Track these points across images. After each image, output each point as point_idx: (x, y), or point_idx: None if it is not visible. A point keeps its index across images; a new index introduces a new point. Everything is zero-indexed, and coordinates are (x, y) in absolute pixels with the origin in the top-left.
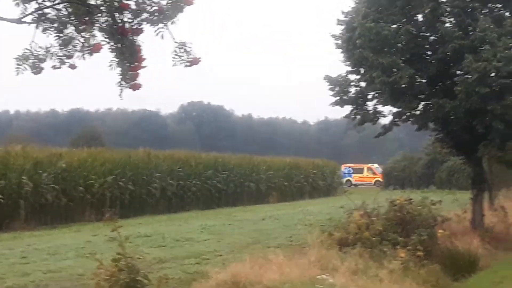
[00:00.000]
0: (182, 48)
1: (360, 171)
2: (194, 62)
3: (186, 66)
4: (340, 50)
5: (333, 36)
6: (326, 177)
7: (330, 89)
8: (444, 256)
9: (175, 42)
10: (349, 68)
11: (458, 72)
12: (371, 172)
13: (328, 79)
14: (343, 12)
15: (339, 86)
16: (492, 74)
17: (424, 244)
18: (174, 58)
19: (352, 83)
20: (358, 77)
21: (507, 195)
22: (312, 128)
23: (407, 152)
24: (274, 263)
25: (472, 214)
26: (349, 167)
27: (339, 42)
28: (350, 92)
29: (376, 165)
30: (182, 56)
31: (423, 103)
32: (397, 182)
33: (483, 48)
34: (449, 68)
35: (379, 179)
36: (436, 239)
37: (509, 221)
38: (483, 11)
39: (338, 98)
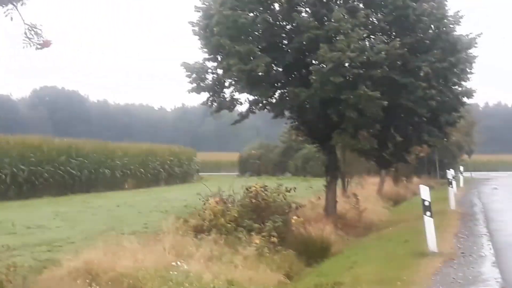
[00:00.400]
0: (32, 30)
1: None
2: (45, 44)
3: (37, 48)
4: (198, 37)
5: (191, 23)
6: (182, 164)
7: (187, 76)
8: (297, 242)
9: (25, 24)
10: (206, 55)
11: (314, 62)
12: None
13: (185, 66)
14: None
15: (196, 73)
16: (346, 64)
17: (278, 231)
18: (24, 40)
19: (209, 70)
20: (215, 64)
21: (359, 183)
22: (170, 115)
23: (264, 140)
24: (128, 250)
25: (325, 201)
26: None
27: (196, 29)
28: (207, 79)
29: None
30: (32, 38)
31: (279, 91)
32: (253, 169)
33: (338, 38)
34: (305, 57)
35: None
36: (291, 225)
37: (361, 208)
38: (338, 2)
39: (195, 85)
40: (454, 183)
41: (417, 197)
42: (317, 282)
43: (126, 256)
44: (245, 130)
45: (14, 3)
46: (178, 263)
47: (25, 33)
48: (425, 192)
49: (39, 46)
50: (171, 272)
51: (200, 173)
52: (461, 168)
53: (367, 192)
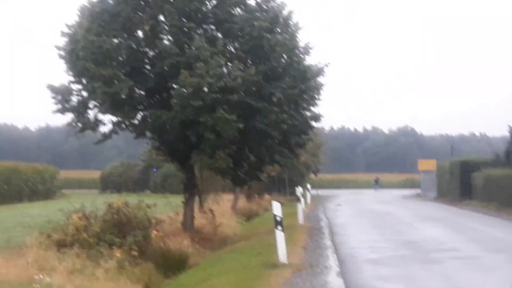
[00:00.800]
0: None
1: None
2: None
3: None
4: (63, 61)
5: (57, 47)
6: (45, 181)
7: (52, 97)
8: (157, 256)
9: None
10: (72, 78)
11: (175, 86)
12: None
13: (51, 87)
14: (66, 25)
15: (61, 94)
16: (205, 89)
17: (139, 245)
18: None
19: (74, 93)
20: (80, 87)
21: (215, 199)
22: (33, 134)
23: (125, 159)
24: None
25: (183, 217)
26: None
27: (62, 53)
28: (72, 100)
29: None
30: None
31: (141, 113)
32: (114, 186)
33: (198, 65)
34: (167, 82)
35: None
36: (151, 239)
37: (216, 223)
38: (198, 31)
39: (60, 106)
40: (302, 200)
41: (268, 213)
42: None
43: None
44: (107, 149)
45: None
46: (41, 276)
47: None
48: (277, 208)
49: None
50: (34, 285)
51: (63, 190)
52: (309, 186)
53: (222, 208)
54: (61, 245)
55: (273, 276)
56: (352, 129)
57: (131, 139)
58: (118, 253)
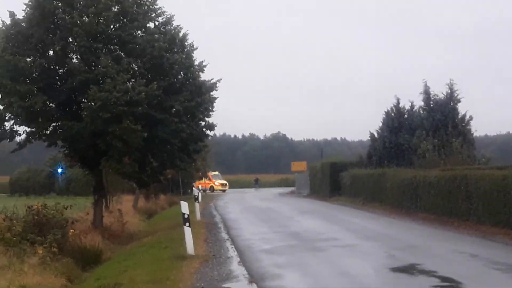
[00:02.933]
0: None
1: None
2: None
3: None
4: None
5: None
6: None
7: None
8: (74, 251)
9: None
10: None
11: (84, 100)
12: (207, 179)
13: None
14: None
15: None
16: (113, 102)
17: (58, 242)
18: None
19: None
20: None
21: (119, 200)
22: None
23: (31, 165)
24: None
25: (93, 216)
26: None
27: None
28: None
29: (215, 173)
30: None
31: (54, 124)
32: (22, 190)
33: (105, 81)
34: (77, 96)
35: (213, 185)
36: (68, 237)
37: (123, 221)
38: (104, 51)
39: None
40: (199, 198)
41: (165, 211)
42: (100, 284)
43: None
44: (12, 156)
45: None
46: None
47: None
48: (184, 207)
49: None
50: None
51: None
52: (199, 187)
53: (124, 207)
54: None
55: (184, 267)
56: (232, 135)
57: (36, 147)
58: (40, 250)
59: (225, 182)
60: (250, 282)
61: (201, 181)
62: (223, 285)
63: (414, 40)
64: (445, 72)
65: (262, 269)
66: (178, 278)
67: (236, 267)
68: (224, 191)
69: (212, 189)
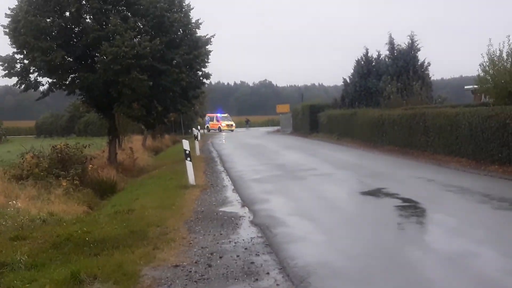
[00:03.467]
0: None
1: (212, 119)
2: None
3: None
4: (8, 36)
5: (2, 26)
6: None
7: (1, 65)
8: (93, 183)
9: None
10: (15, 50)
11: (97, 54)
12: (216, 120)
13: (0, 58)
14: (9, 8)
15: (8, 62)
16: (122, 56)
17: (79, 176)
18: None
19: (18, 61)
20: (22, 56)
21: (130, 140)
22: None
23: (54, 111)
24: None
25: (108, 153)
26: (208, 116)
27: (7, 30)
28: (16, 67)
29: (225, 115)
30: None
31: (72, 75)
32: (47, 132)
33: (115, 37)
34: (91, 51)
35: (220, 126)
36: (87, 171)
37: (134, 157)
38: (113, 12)
39: (7, 71)
40: (198, 137)
41: (170, 148)
42: (116, 210)
43: None
44: (37, 103)
45: None
46: (13, 202)
47: None
48: (186, 144)
49: None
50: (8, 209)
51: (6, 136)
52: (198, 127)
53: (135, 146)
54: (18, 179)
55: (187, 194)
56: (225, 83)
57: (56, 95)
58: (64, 183)
59: (231, 123)
60: (243, 206)
61: (212, 122)
62: (220, 209)
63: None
64: (408, 25)
65: (252, 195)
66: (181, 204)
67: (230, 194)
68: (231, 130)
69: (219, 129)
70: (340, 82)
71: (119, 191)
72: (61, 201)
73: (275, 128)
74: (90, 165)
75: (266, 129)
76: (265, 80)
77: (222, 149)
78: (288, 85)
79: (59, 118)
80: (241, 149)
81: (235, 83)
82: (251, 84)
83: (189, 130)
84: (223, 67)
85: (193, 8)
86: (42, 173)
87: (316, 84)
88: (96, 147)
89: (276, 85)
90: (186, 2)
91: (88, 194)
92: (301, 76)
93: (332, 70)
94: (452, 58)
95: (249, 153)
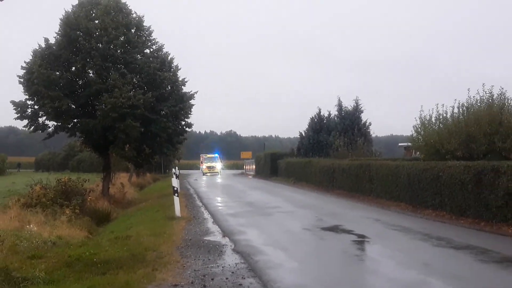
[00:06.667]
0: None
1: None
2: None
3: None
4: (22, 85)
5: (18, 76)
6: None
7: (14, 109)
8: (91, 212)
9: None
10: (27, 97)
11: (98, 104)
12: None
13: (13, 103)
14: (25, 62)
15: (20, 107)
16: (119, 106)
17: (79, 205)
18: None
19: (29, 106)
20: (32, 102)
21: (118, 176)
22: None
23: (51, 149)
24: None
25: (102, 187)
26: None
27: (22, 80)
28: (27, 111)
29: (212, 155)
30: None
31: (75, 120)
32: (44, 167)
33: (114, 90)
34: (92, 100)
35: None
36: (86, 202)
37: (124, 191)
38: (113, 69)
39: (19, 115)
40: (176, 176)
41: (152, 185)
42: (115, 236)
43: None
44: (36, 142)
45: None
46: (30, 226)
47: None
48: (175, 182)
49: None
50: (24, 232)
51: (9, 170)
52: (176, 168)
53: (122, 181)
54: (27, 206)
55: (174, 224)
56: (197, 131)
57: (56, 136)
58: (67, 211)
59: (212, 165)
60: (223, 236)
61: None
62: (205, 238)
63: (330, 68)
64: (353, 91)
65: (230, 227)
66: (171, 232)
67: (211, 226)
68: (217, 173)
69: (202, 172)
70: (292, 135)
71: (112, 220)
72: (66, 227)
73: (239, 171)
74: (89, 197)
75: (231, 171)
76: (231, 130)
77: (198, 187)
78: (250, 136)
79: (56, 156)
80: (213, 188)
81: (205, 132)
82: (219, 133)
83: (167, 170)
84: (195, 117)
85: (180, 69)
86: (48, 202)
87: (273, 135)
88: (89, 182)
89: (240, 135)
90: (175, 64)
91: (87, 222)
92: (261, 128)
93: (286, 125)
94: (384, 119)
95: (221, 192)
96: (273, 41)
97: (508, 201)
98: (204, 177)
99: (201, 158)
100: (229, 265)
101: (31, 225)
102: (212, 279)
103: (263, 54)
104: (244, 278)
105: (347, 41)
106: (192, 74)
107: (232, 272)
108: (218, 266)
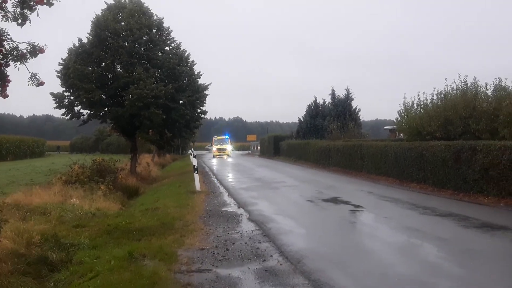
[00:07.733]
0: (33, 76)
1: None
2: (41, 84)
3: (37, 86)
4: (59, 79)
5: (56, 71)
6: (40, 146)
7: (53, 100)
8: (122, 188)
9: (30, 72)
10: (64, 89)
11: (125, 94)
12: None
13: (52, 94)
14: (62, 59)
15: (58, 98)
16: (144, 96)
17: (112, 182)
18: (28, 81)
19: (66, 97)
20: (69, 93)
21: (143, 157)
22: (25, 120)
23: (84, 134)
24: (35, 193)
25: (130, 166)
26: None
27: (59, 75)
28: (64, 101)
29: (222, 137)
30: (34, 81)
31: (105, 109)
32: (78, 150)
33: (139, 83)
34: (121, 92)
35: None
36: (118, 179)
37: (149, 169)
38: (138, 64)
39: (57, 104)
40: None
41: (172, 163)
42: (145, 208)
43: (36, 196)
44: (69, 129)
45: (23, 61)
46: (73, 200)
47: (30, 77)
48: (194, 161)
49: (37, 85)
50: (68, 204)
51: (48, 152)
52: (192, 149)
53: (147, 161)
54: (68, 183)
55: (195, 198)
56: (208, 118)
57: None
58: (102, 187)
59: (222, 147)
60: (239, 207)
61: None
62: (223, 209)
63: (323, 62)
64: (344, 81)
65: (244, 199)
66: (193, 204)
67: (227, 198)
68: (223, 156)
69: (213, 155)
70: (291, 120)
71: (141, 194)
72: (102, 200)
73: (246, 151)
74: (120, 175)
75: (239, 152)
76: (237, 116)
77: (212, 166)
78: (254, 121)
79: (88, 139)
80: (225, 166)
81: (215, 118)
82: (227, 119)
83: (183, 152)
84: (207, 105)
85: (196, 64)
86: (85, 179)
87: (274, 121)
88: (119, 162)
89: (245, 120)
90: (191, 59)
91: (120, 196)
92: (263, 114)
93: (285, 112)
94: (370, 106)
95: (232, 169)
96: (273, 41)
97: (484, 175)
98: (216, 158)
99: (213, 140)
100: (246, 231)
101: (74, 199)
102: (233, 244)
103: (263, 54)
104: (260, 242)
105: (336, 39)
106: (204, 68)
107: (250, 238)
108: (237, 232)
